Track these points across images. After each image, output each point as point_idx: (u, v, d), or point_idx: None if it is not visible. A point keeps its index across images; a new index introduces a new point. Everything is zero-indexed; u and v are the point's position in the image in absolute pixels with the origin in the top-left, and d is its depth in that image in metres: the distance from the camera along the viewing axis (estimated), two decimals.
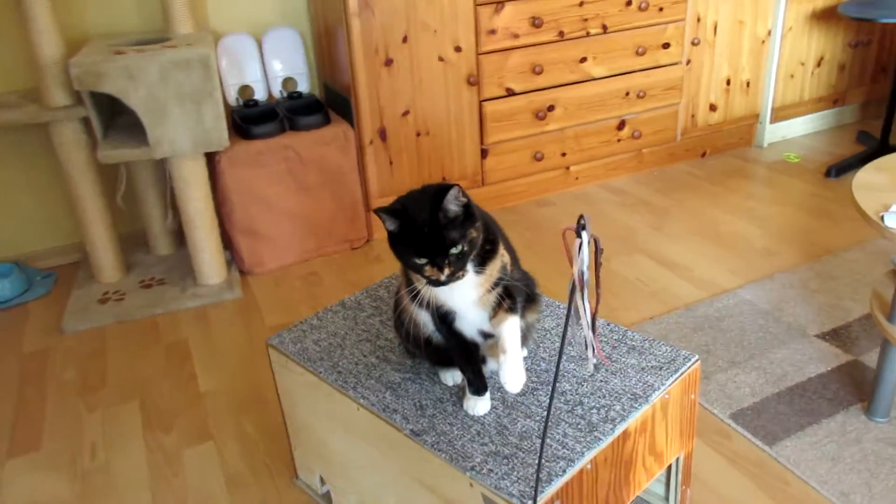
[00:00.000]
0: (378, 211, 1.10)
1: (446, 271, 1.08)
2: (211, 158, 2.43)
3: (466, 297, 1.16)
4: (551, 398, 0.98)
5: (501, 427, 1.22)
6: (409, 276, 1.21)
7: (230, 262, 2.57)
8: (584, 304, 0.93)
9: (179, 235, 2.66)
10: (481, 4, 2.61)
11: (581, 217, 0.84)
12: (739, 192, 3.02)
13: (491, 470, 1.13)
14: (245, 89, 2.70)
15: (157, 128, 2.19)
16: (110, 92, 2.13)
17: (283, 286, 2.51)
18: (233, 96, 2.67)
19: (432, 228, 1.08)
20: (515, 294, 1.20)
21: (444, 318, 1.20)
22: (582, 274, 0.88)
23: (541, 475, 1.11)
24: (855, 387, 1.88)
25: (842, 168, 3.12)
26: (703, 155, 3.37)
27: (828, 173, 3.11)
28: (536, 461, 1.15)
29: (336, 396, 1.36)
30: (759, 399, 1.86)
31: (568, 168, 3.05)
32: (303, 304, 2.39)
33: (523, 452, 1.17)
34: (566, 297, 1.39)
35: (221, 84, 2.56)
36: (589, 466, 1.16)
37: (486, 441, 1.19)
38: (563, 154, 2.99)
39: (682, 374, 1.33)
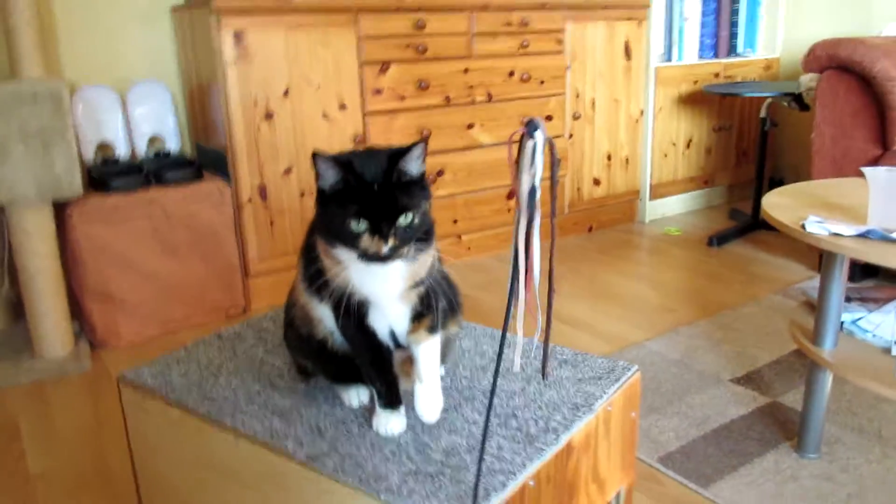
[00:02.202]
0: (318, 155, 0.88)
1: (391, 242, 0.88)
2: (60, 213, 2.11)
3: (391, 287, 0.96)
4: (495, 379, 0.78)
5: (422, 445, 0.98)
6: (308, 259, 0.99)
7: (79, 335, 2.20)
8: (534, 229, 0.75)
9: (19, 308, 2.26)
10: (366, 63, 2.53)
11: (531, 119, 0.68)
12: (630, 259, 3.00)
13: (413, 490, 0.89)
14: (104, 148, 2.43)
15: None
16: None
17: (143, 362, 2.15)
18: (90, 154, 2.39)
19: (384, 187, 0.88)
20: (438, 303, 1.02)
21: (355, 311, 0.98)
22: (533, 189, 0.71)
23: (477, 491, 0.87)
24: (779, 426, 1.77)
25: (722, 238, 3.19)
26: (590, 229, 3.36)
27: (710, 243, 3.17)
28: (468, 478, 0.91)
29: (207, 432, 1.07)
30: (685, 442, 1.70)
31: (460, 237, 2.93)
32: None
33: (451, 469, 0.93)
34: (480, 341, 1.18)
35: (78, 141, 2.29)
36: (532, 483, 0.94)
37: (405, 460, 0.95)
38: (455, 221, 2.88)
39: (623, 383, 1.15)
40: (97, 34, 2.46)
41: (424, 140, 0.91)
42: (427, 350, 1.00)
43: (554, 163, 0.70)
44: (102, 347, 2.20)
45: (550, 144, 0.70)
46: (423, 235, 0.95)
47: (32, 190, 1.94)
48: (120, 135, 2.45)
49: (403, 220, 0.89)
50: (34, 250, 2.00)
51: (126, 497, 1.51)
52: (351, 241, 0.89)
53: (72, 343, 2.11)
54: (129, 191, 2.20)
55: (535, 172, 0.71)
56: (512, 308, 0.86)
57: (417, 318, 1.00)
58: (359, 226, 0.88)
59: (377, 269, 0.93)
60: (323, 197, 0.92)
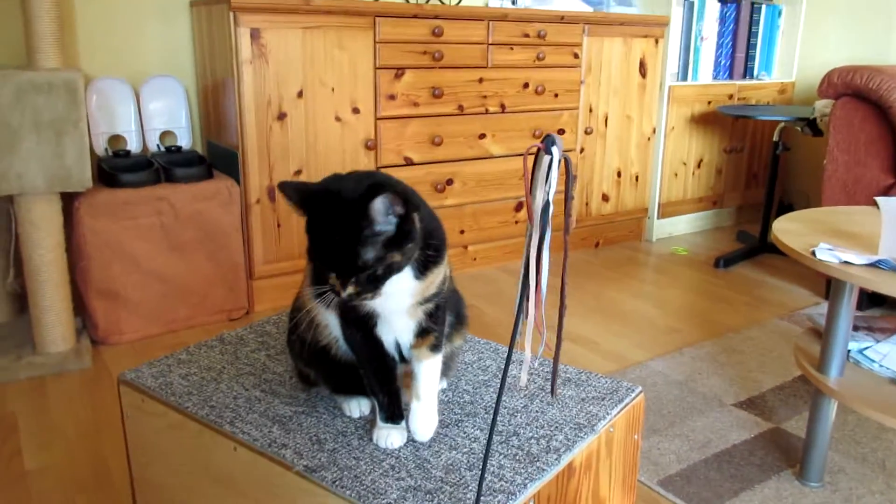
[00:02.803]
0: (283, 185, 0.86)
1: (350, 289, 0.86)
2: (68, 206, 2.11)
3: (398, 303, 0.95)
4: (499, 397, 0.77)
5: (422, 461, 0.97)
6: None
7: (81, 330, 2.19)
8: (545, 244, 0.74)
9: (21, 301, 2.26)
10: (381, 68, 2.53)
11: (548, 135, 0.67)
12: (636, 277, 2.98)
13: None
14: (116, 140, 2.43)
15: (2, 158, 1.88)
16: None
17: (144, 360, 2.14)
18: (102, 146, 2.39)
19: (346, 238, 0.84)
20: (444, 321, 1.01)
21: (362, 322, 0.97)
22: (547, 204, 0.70)
23: None
24: (782, 452, 1.75)
25: (729, 260, 3.17)
26: (597, 245, 3.35)
27: (716, 264, 3.15)
28: (468, 495, 0.90)
29: (206, 436, 1.06)
30: (686, 466, 1.69)
31: (466, 247, 2.92)
32: None
33: (451, 486, 0.92)
34: (483, 355, 1.17)
35: (90, 132, 2.29)
36: (532, 503, 0.93)
37: (404, 475, 0.94)
38: (462, 231, 2.87)
39: (627, 404, 1.14)
40: (114, 26, 2.46)
41: (391, 194, 0.82)
42: (428, 368, 0.99)
43: (569, 179, 0.69)
44: (104, 344, 2.19)
45: (566, 161, 0.69)
46: (433, 253, 0.93)
47: (42, 180, 1.94)
48: (132, 128, 2.45)
49: (363, 273, 0.85)
50: (40, 242, 1.99)
51: (121, 498, 1.50)
52: (320, 272, 0.89)
53: (73, 338, 2.10)
54: (138, 186, 2.20)
55: (549, 189, 0.70)
56: (520, 325, 0.85)
57: (422, 333, 0.99)
58: (321, 266, 0.87)
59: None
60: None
